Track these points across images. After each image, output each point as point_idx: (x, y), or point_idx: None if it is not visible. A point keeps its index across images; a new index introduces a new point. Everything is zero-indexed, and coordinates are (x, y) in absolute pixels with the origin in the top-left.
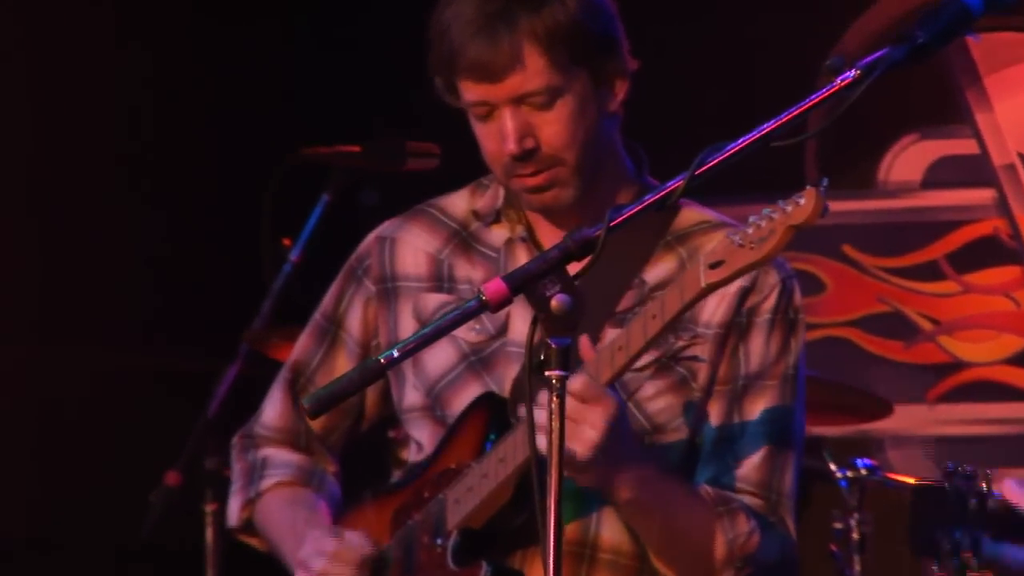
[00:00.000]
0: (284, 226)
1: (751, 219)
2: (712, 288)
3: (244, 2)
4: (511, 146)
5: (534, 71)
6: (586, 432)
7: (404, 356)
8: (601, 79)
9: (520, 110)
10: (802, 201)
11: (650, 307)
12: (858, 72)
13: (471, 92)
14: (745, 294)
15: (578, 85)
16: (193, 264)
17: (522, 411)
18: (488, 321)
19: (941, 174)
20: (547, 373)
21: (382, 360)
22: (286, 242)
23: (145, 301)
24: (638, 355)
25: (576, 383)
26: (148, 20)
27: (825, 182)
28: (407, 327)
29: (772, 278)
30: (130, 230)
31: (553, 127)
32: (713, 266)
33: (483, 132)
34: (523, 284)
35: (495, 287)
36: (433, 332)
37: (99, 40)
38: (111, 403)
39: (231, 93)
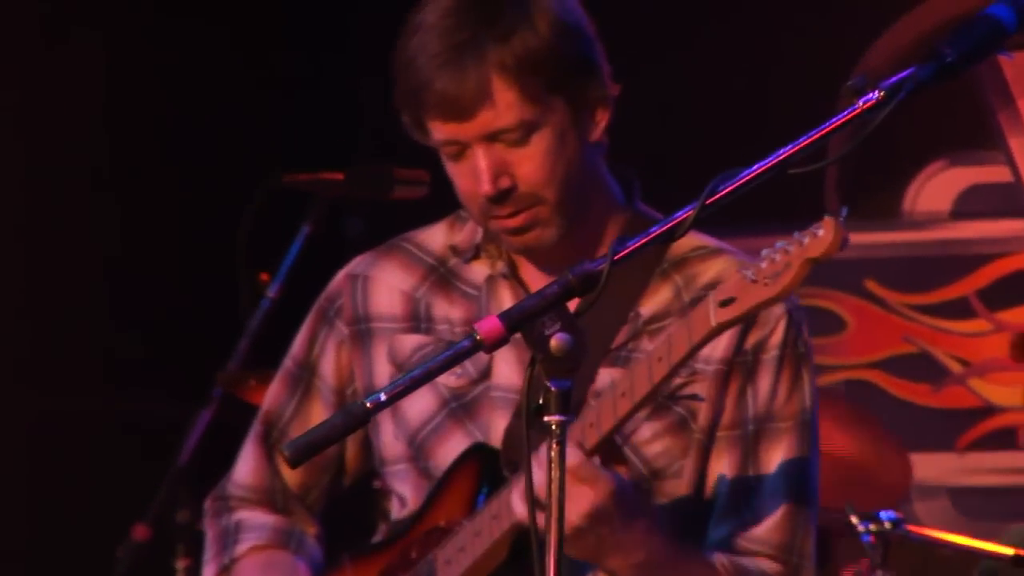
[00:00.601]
0: (262, 259)
1: (764, 252)
2: (723, 327)
3: (220, 22)
4: (485, 187)
5: (505, 106)
6: (567, 512)
7: (392, 399)
8: (581, 107)
9: (494, 147)
10: (820, 232)
11: (656, 349)
12: (882, 93)
13: (440, 131)
14: (748, 328)
15: (555, 116)
16: (164, 301)
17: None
18: (470, 364)
19: (972, 203)
20: (547, 418)
21: (368, 404)
22: (264, 276)
23: (112, 341)
24: (643, 402)
25: (572, 459)
26: (119, 46)
27: (845, 211)
28: (383, 371)
29: (777, 310)
30: (96, 265)
31: (530, 164)
32: (724, 304)
33: (455, 171)
34: (521, 322)
35: (490, 326)
36: (423, 374)
37: (79, 66)
38: (75, 450)
39: (206, 118)
